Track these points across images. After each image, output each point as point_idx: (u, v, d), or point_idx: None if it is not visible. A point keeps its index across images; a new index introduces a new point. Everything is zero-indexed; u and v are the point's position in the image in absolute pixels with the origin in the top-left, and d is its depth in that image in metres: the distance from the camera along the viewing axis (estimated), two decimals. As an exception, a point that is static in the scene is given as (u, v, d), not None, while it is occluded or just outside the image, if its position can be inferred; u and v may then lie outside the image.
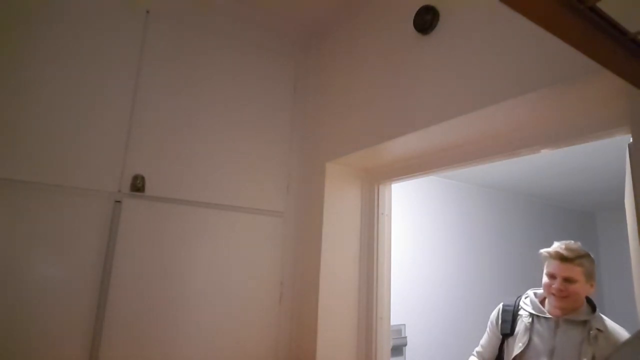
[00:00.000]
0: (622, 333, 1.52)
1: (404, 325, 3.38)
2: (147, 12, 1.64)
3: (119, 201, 1.48)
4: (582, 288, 1.57)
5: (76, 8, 1.50)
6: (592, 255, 1.63)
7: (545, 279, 1.64)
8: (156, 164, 1.57)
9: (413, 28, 1.41)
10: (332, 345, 1.65)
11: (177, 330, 1.52)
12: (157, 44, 1.64)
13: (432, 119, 1.30)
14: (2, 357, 1.24)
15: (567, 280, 1.57)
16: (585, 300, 1.61)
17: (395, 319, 2.02)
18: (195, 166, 1.65)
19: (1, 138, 1.32)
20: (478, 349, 1.81)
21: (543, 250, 1.68)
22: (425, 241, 3.74)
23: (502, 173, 3.73)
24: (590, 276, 1.59)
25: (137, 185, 1.51)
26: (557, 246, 1.64)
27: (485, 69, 1.16)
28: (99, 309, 1.39)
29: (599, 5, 0.46)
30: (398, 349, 3.27)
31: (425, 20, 1.36)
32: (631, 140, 0.98)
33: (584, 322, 1.54)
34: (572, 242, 1.65)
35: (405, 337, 3.35)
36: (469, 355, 1.83)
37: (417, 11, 1.40)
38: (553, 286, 1.59)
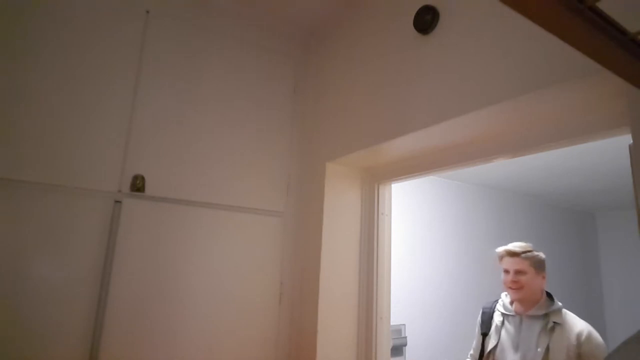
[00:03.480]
0: (578, 324, 1.68)
1: (404, 325, 3.38)
2: (147, 12, 1.64)
3: (119, 201, 1.48)
4: (532, 279, 1.78)
5: (76, 8, 1.50)
6: (541, 253, 1.86)
7: (502, 276, 1.87)
8: (156, 164, 1.57)
9: (413, 28, 1.42)
10: (332, 345, 1.65)
11: (176, 329, 1.52)
12: (157, 44, 1.64)
13: (432, 119, 1.30)
14: (2, 357, 1.24)
15: (518, 272, 1.79)
16: (544, 294, 1.80)
17: (395, 319, 2.03)
18: (195, 166, 1.65)
19: (1, 138, 1.32)
20: (471, 351, 1.98)
21: (497, 250, 1.92)
22: (425, 241, 3.74)
23: (502, 173, 3.73)
24: (539, 268, 1.81)
25: (137, 185, 1.51)
26: (507, 245, 1.89)
27: (485, 69, 1.16)
28: (99, 308, 1.39)
29: (599, 5, 0.46)
30: (398, 349, 3.27)
31: (425, 20, 1.36)
32: (631, 141, 0.98)
33: (545, 316, 1.73)
34: (522, 242, 1.89)
35: (405, 337, 3.35)
36: (467, 356, 1.99)
37: (417, 11, 1.40)
38: (507, 279, 1.82)
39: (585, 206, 5.03)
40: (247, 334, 1.66)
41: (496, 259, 1.93)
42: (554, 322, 1.68)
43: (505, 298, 1.92)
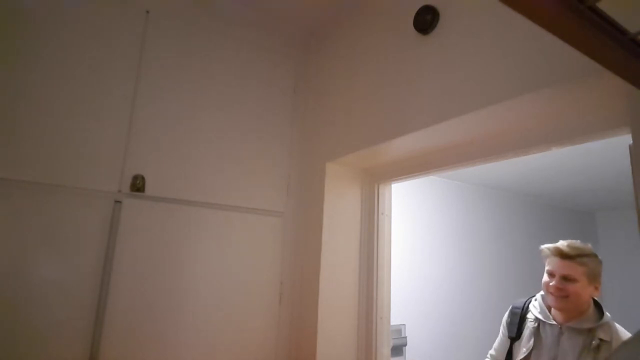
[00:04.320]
0: None
1: (404, 325, 3.38)
2: (147, 12, 1.64)
3: (119, 201, 1.48)
4: (583, 289, 1.47)
5: (76, 8, 1.50)
6: (599, 257, 1.55)
7: (544, 277, 1.57)
8: (156, 164, 1.57)
9: (413, 28, 1.41)
10: (332, 345, 1.65)
11: (177, 330, 1.52)
12: (157, 44, 1.64)
13: (432, 118, 1.30)
14: (3, 357, 1.24)
15: (566, 278, 1.49)
16: (592, 304, 1.52)
17: (395, 319, 2.02)
18: (195, 166, 1.65)
19: (1, 138, 1.32)
20: (491, 351, 1.75)
21: (544, 246, 1.61)
22: (425, 241, 3.74)
23: (502, 173, 3.73)
24: (594, 277, 1.50)
25: (137, 185, 1.51)
26: (559, 243, 1.56)
27: (485, 69, 1.16)
28: (99, 309, 1.39)
29: (599, 5, 0.46)
30: (398, 349, 3.27)
31: (425, 20, 1.36)
32: (631, 141, 0.98)
33: (590, 330, 1.45)
34: (579, 241, 1.57)
35: (405, 337, 3.35)
36: (472, 356, 1.80)
37: (417, 11, 1.40)
38: (551, 284, 1.51)
39: (585, 206, 5.03)
40: (247, 334, 1.66)
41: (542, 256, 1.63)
42: (600, 340, 1.41)
43: (541, 300, 1.63)
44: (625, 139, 1.02)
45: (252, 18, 1.88)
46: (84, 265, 1.39)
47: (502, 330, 1.71)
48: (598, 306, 1.52)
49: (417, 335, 3.43)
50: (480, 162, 1.45)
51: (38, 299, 1.31)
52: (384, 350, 1.70)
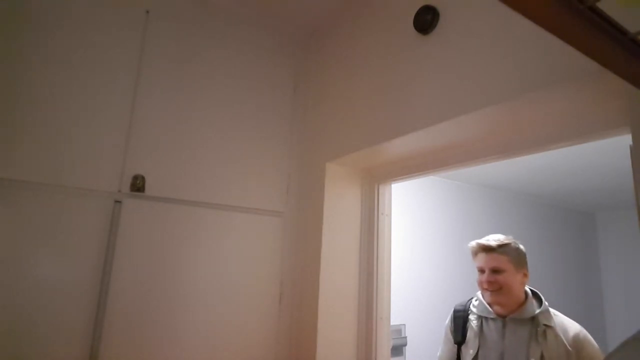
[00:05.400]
0: (571, 326, 1.47)
1: (404, 325, 3.38)
2: (147, 12, 1.64)
3: (119, 201, 1.48)
4: (512, 278, 1.54)
5: (76, 8, 1.50)
6: (520, 245, 1.62)
7: (478, 276, 1.62)
8: (156, 164, 1.57)
9: (413, 28, 1.41)
10: (332, 345, 1.65)
11: (176, 330, 1.52)
12: (157, 44, 1.64)
13: (432, 119, 1.30)
14: (2, 357, 1.24)
15: (495, 270, 1.55)
16: (531, 294, 1.57)
17: (395, 319, 2.01)
18: (195, 166, 1.65)
19: (1, 138, 1.32)
20: None
21: (470, 245, 1.67)
22: (426, 241, 3.74)
23: (502, 173, 3.73)
24: (519, 264, 1.56)
25: (137, 185, 1.51)
26: (481, 239, 1.64)
27: (485, 69, 1.16)
28: (99, 309, 1.39)
29: (599, 5, 0.46)
30: (398, 349, 3.27)
31: (425, 20, 1.36)
32: (631, 142, 0.98)
33: (532, 319, 1.49)
34: (500, 234, 1.64)
35: (405, 337, 3.35)
36: None
37: (417, 11, 1.40)
38: (482, 279, 1.58)
39: (585, 206, 5.03)
40: (247, 334, 1.66)
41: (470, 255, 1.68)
42: (545, 325, 1.46)
43: (482, 297, 1.65)
44: (625, 139, 1.02)
45: (252, 18, 1.88)
46: (84, 265, 1.39)
47: (447, 335, 1.71)
48: (537, 296, 1.57)
49: (417, 335, 3.43)
50: (480, 162, 1.45)
51: (38, 298, 1.31)
52: (384, 350, 1.70)
